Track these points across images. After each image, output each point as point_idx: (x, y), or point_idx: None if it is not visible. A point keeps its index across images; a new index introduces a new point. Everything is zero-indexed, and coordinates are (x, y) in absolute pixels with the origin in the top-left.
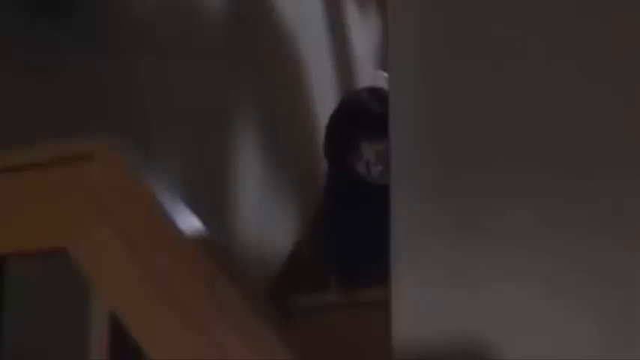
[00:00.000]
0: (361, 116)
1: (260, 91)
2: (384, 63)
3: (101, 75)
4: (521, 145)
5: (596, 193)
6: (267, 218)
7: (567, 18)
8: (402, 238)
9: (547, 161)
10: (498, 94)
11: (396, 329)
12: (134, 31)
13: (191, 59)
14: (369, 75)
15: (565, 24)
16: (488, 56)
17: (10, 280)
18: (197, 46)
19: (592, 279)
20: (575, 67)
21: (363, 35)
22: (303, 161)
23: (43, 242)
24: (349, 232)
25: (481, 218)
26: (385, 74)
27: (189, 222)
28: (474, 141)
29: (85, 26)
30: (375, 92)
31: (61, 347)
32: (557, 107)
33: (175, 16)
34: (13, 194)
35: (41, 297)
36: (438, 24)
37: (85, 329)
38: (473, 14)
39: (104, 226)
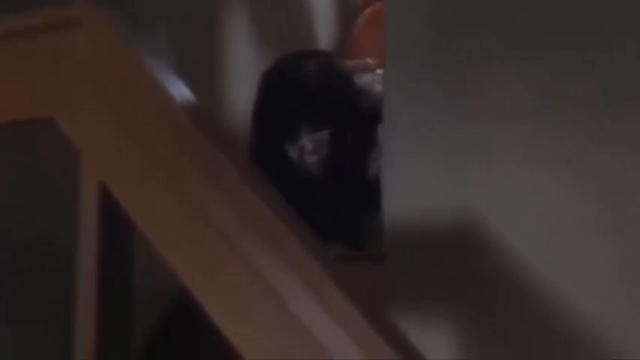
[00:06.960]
0: (306, 98)
1: None
2: None
3: None
4: (513, 23)
5: (592, 65)
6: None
7: None
8: (393, 114)
9: (539, 36)
10: None
11: (386, 205)
12: None
13: None
14: None
15: None
16: None
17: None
18: None
19: (591, 149)
20: None
21: None
22: (294, 37)
23: (29, 111)
24: None
25: (473, 96)
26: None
27: (179, 92)
28: (466, 18)
29: None
30: (326, 68)
31: (52, 215)
32: None
33: None
34: None
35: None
36: None
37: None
38: None
39: (92, 94)
